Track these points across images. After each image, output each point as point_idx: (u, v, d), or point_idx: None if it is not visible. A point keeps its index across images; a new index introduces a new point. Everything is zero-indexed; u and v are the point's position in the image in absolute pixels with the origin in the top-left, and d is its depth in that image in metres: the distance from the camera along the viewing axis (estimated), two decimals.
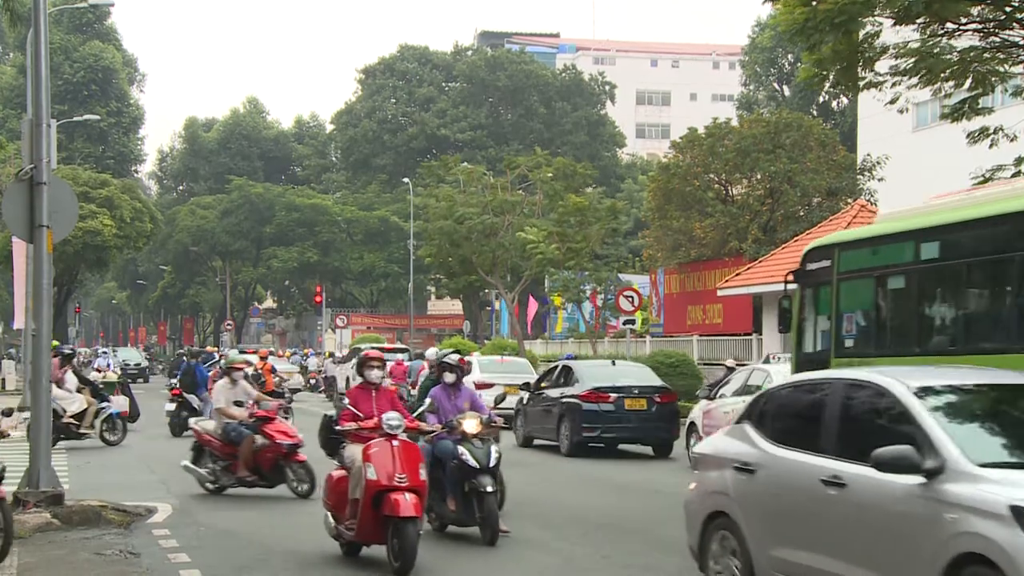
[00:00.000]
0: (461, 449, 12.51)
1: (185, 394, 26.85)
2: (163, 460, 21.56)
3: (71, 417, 23.48)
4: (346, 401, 11.70)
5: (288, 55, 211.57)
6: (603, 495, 16.82)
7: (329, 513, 11.56)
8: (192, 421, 17.41)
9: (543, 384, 24.58)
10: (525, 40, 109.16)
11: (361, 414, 11.51)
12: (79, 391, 23.97)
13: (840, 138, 45.82)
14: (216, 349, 51.37)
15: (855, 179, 40.27)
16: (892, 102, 20.16)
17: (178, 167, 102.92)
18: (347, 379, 38.92)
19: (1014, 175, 19.78)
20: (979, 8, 18.52)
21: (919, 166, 41.03)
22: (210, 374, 26.88)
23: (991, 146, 20.25)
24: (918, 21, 18.23)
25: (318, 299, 78.59)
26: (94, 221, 55.19)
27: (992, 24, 18.78)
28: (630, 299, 34.66)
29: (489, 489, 12.31)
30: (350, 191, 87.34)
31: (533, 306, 58.92)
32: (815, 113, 61.96)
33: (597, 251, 42.74)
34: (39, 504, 13.40)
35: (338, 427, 11.55)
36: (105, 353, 45.50)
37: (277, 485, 16.07)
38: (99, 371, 27.34)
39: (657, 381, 23.91)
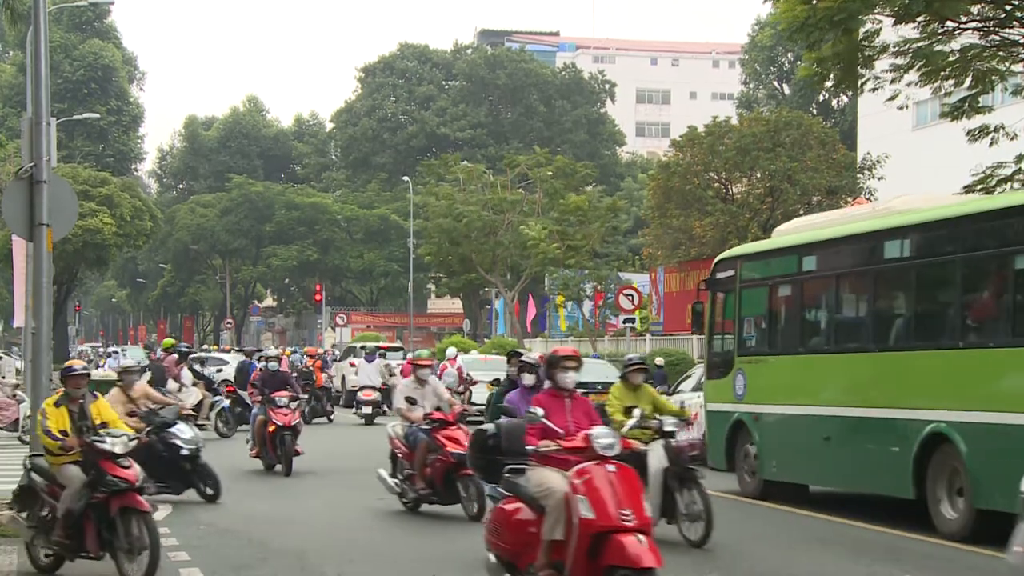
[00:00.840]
0: None
1: (239, 391, 27.37)
2: None
3: (190, 409, 24.66)
4: (539, 412, 8.63)
5: (288, 53, 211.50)
6: None
7: (494, 555, 8.84)
8: (389, 427, 15.24)
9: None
10: (525, 38, 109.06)
11: (559, 429, 8.67)
12: (194, 385, 25.64)
13: (840, 136, 45.80)
14: (223, 347, 50.97)
15: (855, 178, 40.27)
16: (892, 98, 20.17)
17: (178, 165, 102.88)
18: (342, 378, 38.66)
19: (1014, 173, 19.79)
20: (979, 6, 18.53)
21: (919, 165, 41.02)
22: (258, 367, 26.71)
23: (991, 144, 20.24)
24: (918, 19, 18.24)
25: (318, 298, 78.57)
26: (94, 219, 55.15)
27: (992, 23, 18.79)
28: (630, 297, 34.70)
29: None
30: (350, 189, 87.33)
31: (533, 306, 58.82)
32: (815, 111, 61.93)
33: (597, 249, 42.73)
34: None
35: (531, 448, 8.55)
36: (116, 354, 43.51)
37: (451, 504, 13.92)
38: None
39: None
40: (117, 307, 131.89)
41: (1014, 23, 18.59)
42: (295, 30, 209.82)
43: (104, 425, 10.71)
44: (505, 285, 45.28)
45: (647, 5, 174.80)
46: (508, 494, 8.82)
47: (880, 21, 18.84)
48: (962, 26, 18.62)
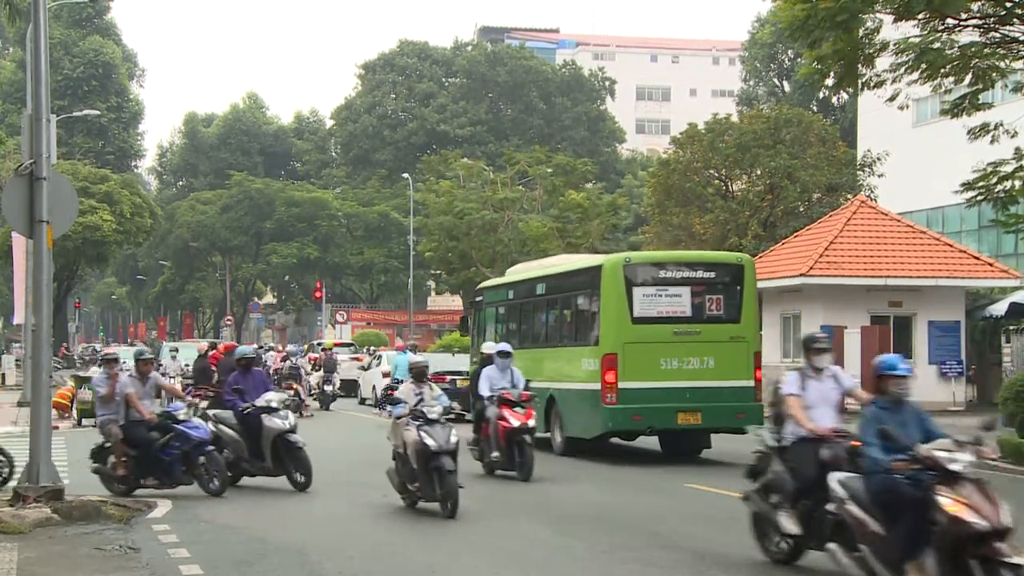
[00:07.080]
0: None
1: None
2: None
3: None
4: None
5: (288, 50, 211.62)
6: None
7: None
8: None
9: None
10: (525, 35, 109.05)
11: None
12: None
13: (840, 134, 45.80)
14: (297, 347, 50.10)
15: (855, 175, 40.29)
16: (892, 99, 20.17)
17: (178, 162, 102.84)
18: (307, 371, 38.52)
19: (1015, 171, 19.79)
20: (979, 4, 18.53)
21: (919, 162, 41.04)
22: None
23: (992, 141, 20.23)
24: (919, 17, 18.24)
25: (318, 294, 78.51)
26: (94, 216, 55.19)
27: (992, 20, 18.78)
28: None
29: None
30: (350, 186, 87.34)
31: None
32: (815, 109, 61.93)
33: (597, 246, 42.71)
34: (39, 499, 13.39)
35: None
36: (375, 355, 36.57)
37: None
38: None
39: None
40: (117, 304, 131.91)
41: (1014, 20, 18.59)
42: (295, 27, 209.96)
43: None
44: None
45: (647, 2, 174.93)
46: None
47: (880, 19, 18.84)
48: (962, 23, 18.62)
